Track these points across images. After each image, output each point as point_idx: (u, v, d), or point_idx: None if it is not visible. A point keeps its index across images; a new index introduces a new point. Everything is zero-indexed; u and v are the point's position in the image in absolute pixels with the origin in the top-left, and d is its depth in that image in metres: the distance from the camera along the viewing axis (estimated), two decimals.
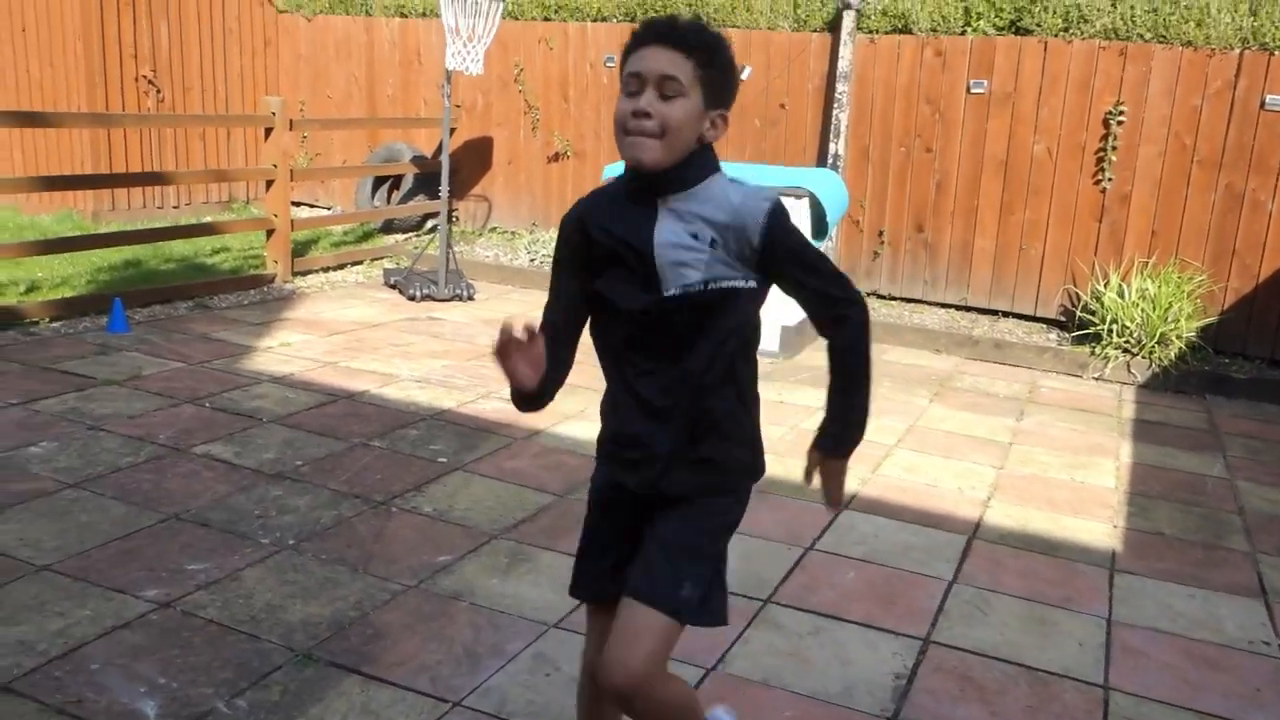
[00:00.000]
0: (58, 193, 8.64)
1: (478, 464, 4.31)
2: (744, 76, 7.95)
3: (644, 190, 1.84)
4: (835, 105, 7.57)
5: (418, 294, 7.36)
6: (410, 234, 9.52)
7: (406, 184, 9.52)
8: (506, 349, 1.77)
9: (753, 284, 1.84)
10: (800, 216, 6.39)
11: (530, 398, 1.88)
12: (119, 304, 6.06)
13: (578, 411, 5.05)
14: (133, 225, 8.27)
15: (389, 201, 9.73)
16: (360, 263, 8.50)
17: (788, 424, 5.03)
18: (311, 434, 4.54)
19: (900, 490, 4.29)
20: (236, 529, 3.57)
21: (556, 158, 9.01)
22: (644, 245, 1.81)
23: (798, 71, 7.85)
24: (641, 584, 1.86)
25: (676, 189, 1.82)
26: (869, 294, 7.80)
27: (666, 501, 1.92)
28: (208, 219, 8.96)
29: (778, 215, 1.80)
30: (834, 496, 1.96)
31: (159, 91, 9.36)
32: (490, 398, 5.22)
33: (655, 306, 1.82)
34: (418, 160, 9.27)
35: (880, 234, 7.70)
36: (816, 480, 1.96)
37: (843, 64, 7.51)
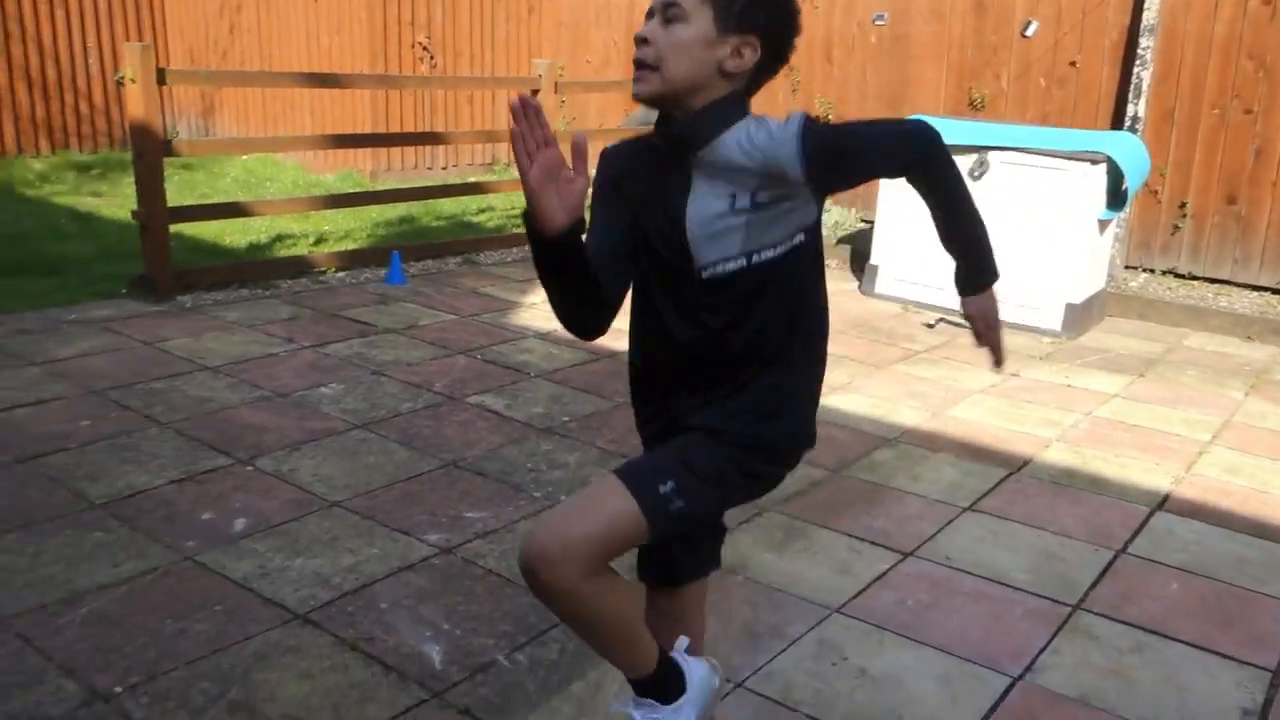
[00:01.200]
0: (340, 154, 9.19)
1: None
2: (1029, 33, 7.33)
3: (672, 145, 1.65)
4: (1136, 62, 6.83)
5: None
6: None
7: None
8: (524, 131, 1.48)
9: (799, 240, 1.65)
10: (1095, 183, 5.80)
11: (571, 256, 1.55)
12: (397, 257, 6.32)
13: (844, 384, 4.80)
14: (407, 184, 8.66)
15: None
16: None
17: (1079, 411, 4.56)
18: (577, 390, 4.53)
19: (1222, 494, 3.77)
20: (510, 480, 3.58)
21: None
22: (676, 213, 1.65)
23: (1092, 25, 7.15)
24: (624, 465, 1.68)
25: (700, 142, 1.62)
26: (1165, 272, 7.04)
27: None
28: (472, 179, 9.26)
29: (806, 128, 1.58)
30: (994, 344, 1.78)
31: (432, 57, 9.75)
32: None
33: (692, 281, 1.66)
34: None
35: (1182, 206, 6.91)
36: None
37: (1148, 16, 6.76)
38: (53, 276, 5.84)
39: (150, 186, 5.45)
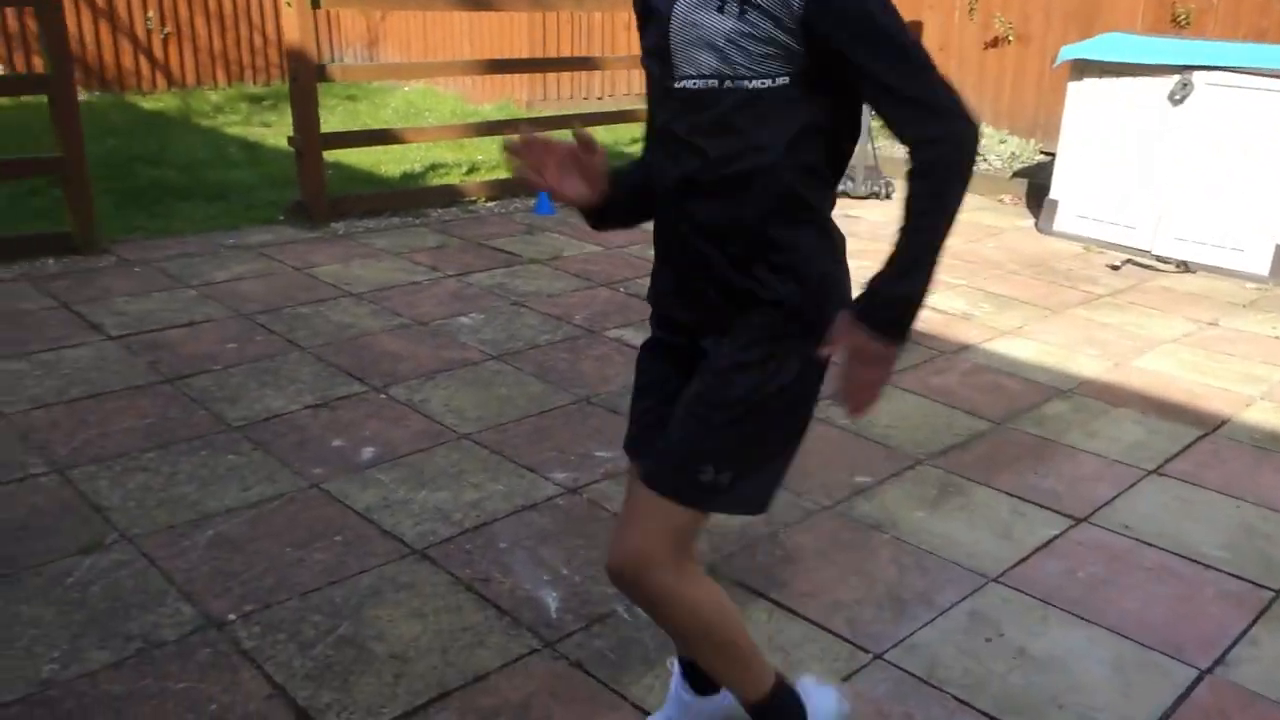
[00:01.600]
0: (497, 85, 9.12)
1: (901, 377, 3.83)
2: None
3: None
4: None
5: None
6: None
7: None
8: (525, 159, 1.53)
9: (784, 81, 1.40)
10: None
11: (630, 201, 1.61)
12: None
13: (1014, 328, 4.39)
14: (561, 114, 8.52)
15: None
16: None
17: None
18: None
19: None
20: None
21: (995, 43, 8.03)
22: (664, 9, 1.46)
23: None
24: (653, 463, 1.54)
25: None
26: None
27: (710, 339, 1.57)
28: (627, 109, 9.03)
29: None
30: (850, 393, 1.46)
31: None
32: None
33: (669, 96, 1.48)
34: None
35: None
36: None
37: None
38: (217, 202, 5.99)
39: (305, 112, 5.48)
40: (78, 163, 4.83)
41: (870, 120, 6.98)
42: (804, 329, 1.50)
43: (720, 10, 1.39)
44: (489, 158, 7.40)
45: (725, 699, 1.80)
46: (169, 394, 3.44)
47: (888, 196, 6.93)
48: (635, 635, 2.28)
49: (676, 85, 1.46)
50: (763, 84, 1.40)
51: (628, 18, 9.73)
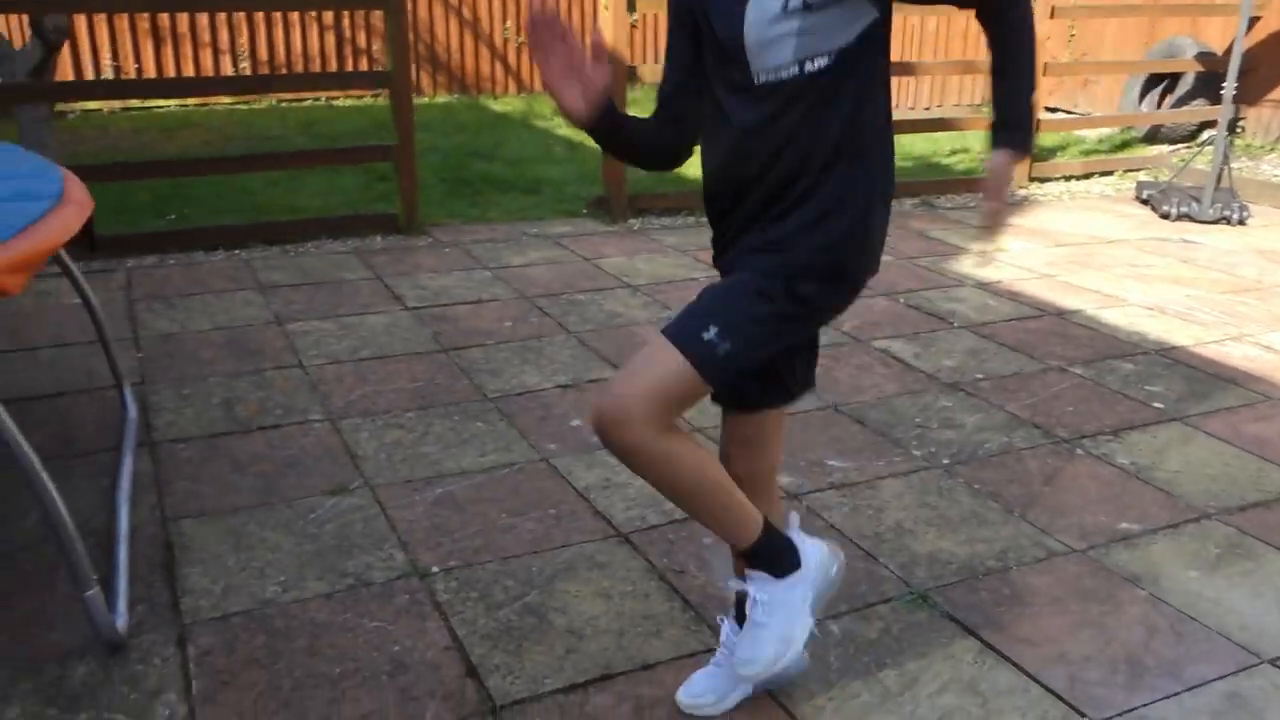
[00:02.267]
0: None
1: (1205, 419, 3.33)
2: None
3: None
4: None
5: (1173, 212, 6.16)
6: (1180, 145, 8.09)
7: (1184, 86, 8.07)
8: (538, 33, 1.58)
9: (855, 46, 1.55)
10: None
11: (609, 139, 1.70)
12: None
13: None
14: None
15: (1159, 107, 8.37)
16: (1110, 173, 7.44)
17: None
18: (1003, 347, 3.96)
19: None
20: (890, 433, 3.20)
21: None
22: (735, 18, 1.57)
23: None
24: (671, 320, 1.64)
25: None
26: None
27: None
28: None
29: None
30: (997, 216, 1.65)
31: None
32: (1243, 341, 4.07)
33: (748, 89, 1.60)
34: (1202, 57, 7.76)
35: None
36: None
37: None
38: (532, 195, 6.38)
39: None
40: (407, 152, 5.33)
41: (1226, 135, 6.18)
42: (837, 258, 1.64)
43: (785, 10, 1.53)
44: None
45: (810, 561, 1.81)
46: (442, 362, 3.69)
47: (1240, 222, 6.08)
48: (820, 653, 2.13)
49: (759, 81, 1.58)
50: (836, 57, 1.55)
51: (965, 23, 9.28)
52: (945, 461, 3.02)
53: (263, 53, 10.01)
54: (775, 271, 1.60)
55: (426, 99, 10.56)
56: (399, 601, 2.28)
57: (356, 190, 6.22)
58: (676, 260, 5.07)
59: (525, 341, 3.92)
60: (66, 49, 9.02)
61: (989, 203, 1.63)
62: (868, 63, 1.58)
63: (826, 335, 3.97)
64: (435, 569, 2.41)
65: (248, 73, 9.77)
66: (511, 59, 10.99)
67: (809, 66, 1.55)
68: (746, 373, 1.66)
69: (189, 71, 9.58)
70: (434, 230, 5.50)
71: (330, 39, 10.18)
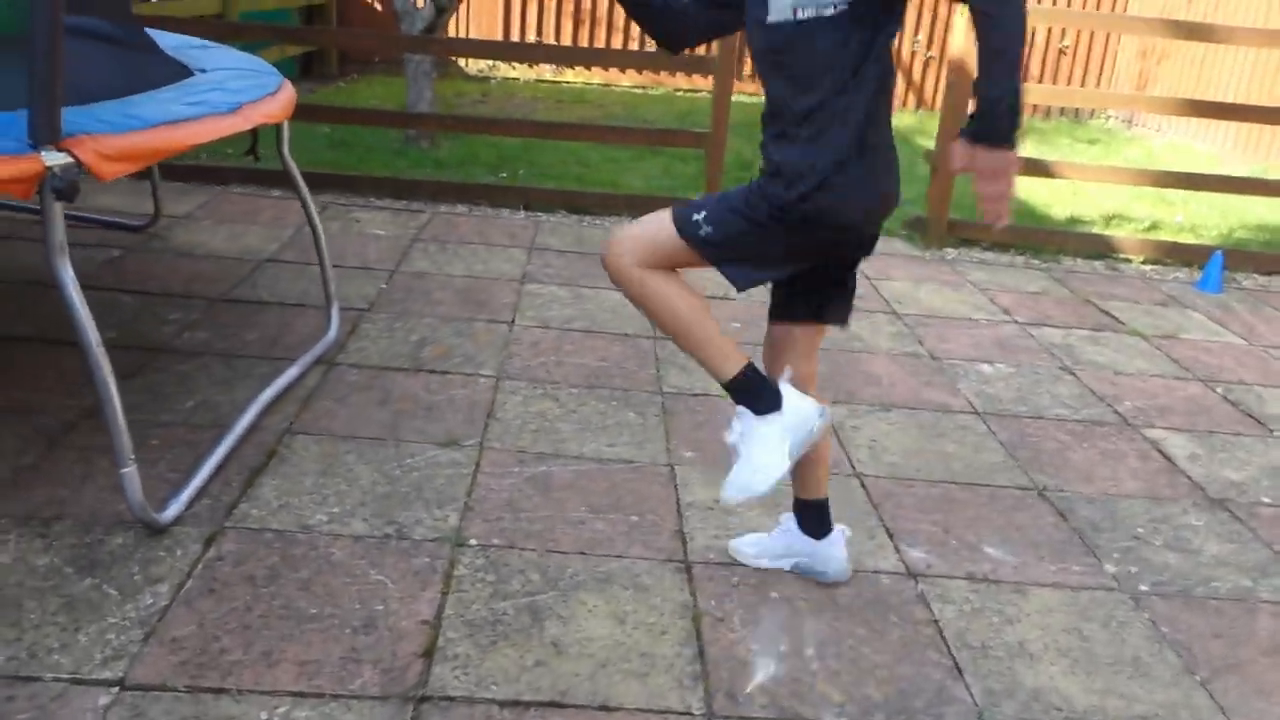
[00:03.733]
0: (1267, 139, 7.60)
1: None
2: None
3: None
4: None
5: None
6: None
7: None
8: None
9: (843, 8, 1.73)
10: None
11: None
12: (1218, 259, 5.03)
13: None
14: None
15: None
16: None
17: None
18: None
19: None
20: (1092, 537, 2.57)
21: None
22: None
23: None
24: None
25: None
26: None
27: None
28: None
29: None
30: (991, 204, 1.70)
31: None
32: None
33: (762, 28, 1.83)
34: None
35: None
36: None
37: None
38: None
39: (950, 127, 5.19)
40: (719, 142, 5.22)
41: None
42: (797, 189, 1.82)
43: None
44: (1188, 218, 6.26)
45: (791, 407, 1.96)
46: (643, 349, 3.55)
47: None
48: None
49: (767, 22, 1.83)
50: (828, 11, 1.75)
51: None
52: (1142, 588, 2.37)
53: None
54: (764, 191, 1.86)
55: None
56: (417, 563, 2.19)
57: (690, 178, 6.23)
58: (965, 297, 4.51)
59: (743, 346, 3.65)
60: (500, 22, 10.00)
61: (984, 193, 1.71)
62: (859, 33, 1.75)
63: (1091, 410, 3.31)
64: (474, 542, 2.29)
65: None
66: (916, 73, 10.51)
67: (800, 14, 1.77)
68: (746, 266, 1.90)
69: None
70: None
71: None
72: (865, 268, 4.78)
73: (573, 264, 4.42)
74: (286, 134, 3.16)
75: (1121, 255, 5.39)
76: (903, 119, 9.93)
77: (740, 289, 1.96)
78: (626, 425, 2.95)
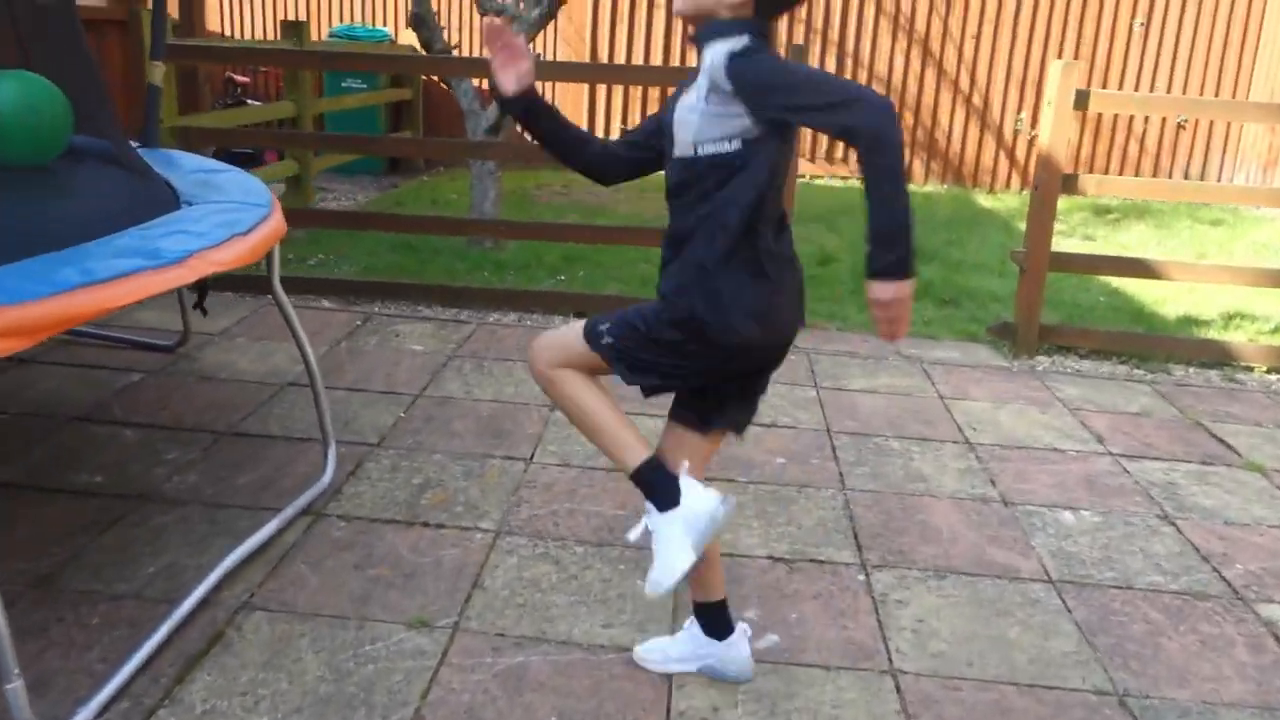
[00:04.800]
0: None
1: None
2: None
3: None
4: None
5: None
6: None
7: None
8: (490, 36, 2.02)
9: (737, 146, 1.87)
10: None
11: (526, 118, 2.11)
12: None
13: None
14: None
15: None
16: None
17: None
18: None
19: None
20: None
21: None
22: (675, 101, 1.98)
23: None
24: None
25: (698, 49, 1.93)
26: None
27: None
28: None
29: (738, 52, 1.85)
30: (886, 327, 1.80)
31: None
32: None
33: (669, 160, 2.00)
34: None
35: None
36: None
37: None
38: (946, 306, 5.56)
39: (1038, 225, 4.72)
40: None
41: None
42: (694, 319, 1.94)
43: (695, 101, 1.92)
44: None
45: (690, 501, 1.99)
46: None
47: None
48: None
49: (673, 155, 1.98)
50: (722, 148, 1.89)
51: None
52: None
53: None
54: (657, 309, 1.98)
55: (914, 186, 9.97)
56: None
57: None
58: (1053, 419, 4.00)
59: (783, 487, 3.27)
60: (585, 112, 9.92)
61: (884, 329, 1.81)
62: (750, 169, 1.88)
63: (1196, 576, 2.80)
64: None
65: None
66: (1020, 152, 9.98)
67: (701, 150, 1.91)
68: (648, 375, 2.01)
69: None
70: (813, 327, 4.97)
71: None
72: (944, 381, 4.36)
73: None
74: (276, 262, 2.95)
75: (1242, 363, 4.79)
76: (1006, 200, 9.42)
77: (646, 395, 2.06)
78: (631, 597, 2.58)
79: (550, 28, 9.81)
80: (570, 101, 10.01)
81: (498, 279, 5.61)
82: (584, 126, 9.95)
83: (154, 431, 3.41)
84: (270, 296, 4.97)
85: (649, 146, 2.12)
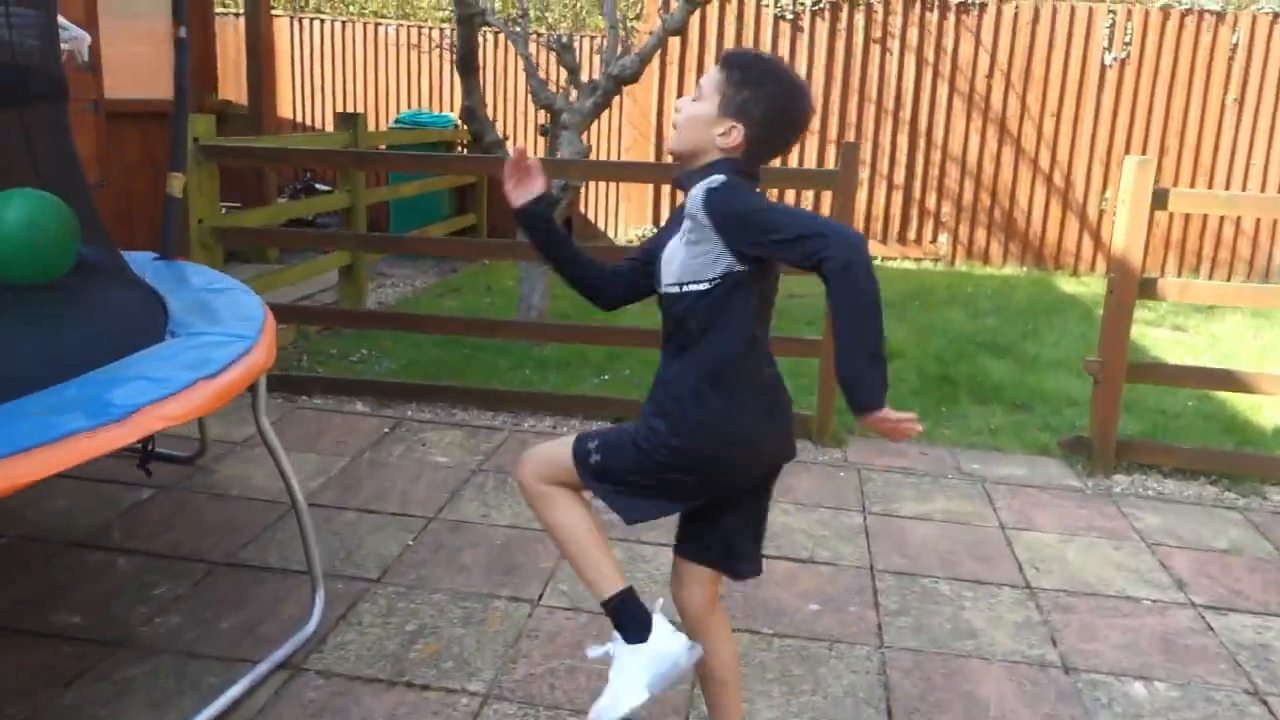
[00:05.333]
0: None
1: None
2: None
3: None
4: None
5: None
6: None
7: None
8: (512, 165, 2.18)
9: (717, 283, 1.93)
10: None
11: (536, 233, 2.20)
12: None
13: None
14: None
15: None
16: None
17: None
18: None
19: None
20: None
21: None
22: (664, 240, 2.06)
23: None
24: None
25: (685, 189, 2.00)
26: None
27: None
28: None
29: (714, 188, 1.91)
30: (894, 439, 1.85)
31: None
32: None
33: (661, 299, 2.06)
34: None
35: None
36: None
37: None
38: (1015, 413, 5.18)
39: (1113, 330, 4.34)
40: (830, 348, 4.56)
41: None
42: (673, 439, 1.98)
43: (681, 241, 1.98)
44: None
45: (656, 640, 1.98)
46: None
47: None
48: None
49: (660, 290, 2.07)
50: (707, 286, 1.95)
51: None
52: None
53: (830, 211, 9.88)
54: (635, 430, 2.01)
55: (992, 269, 9.59)
56: None
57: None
58: (1128, 557, 3.59)
59: (813, 642, 2.94)
60: (650, 210, 9.79)
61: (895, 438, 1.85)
62: (730, 301, 1.94)
63: None
64: None
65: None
66: (1106, 232, 9.50)
67: (686, 287, 1.97)
68: (633, 498, 2.01)
69: None
70: (852, 443, 4.65)
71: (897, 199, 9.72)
72: (1008, 505, 3.98)
73: None
74: (261, 398, 2.78)
75: None
76: (1090, 284, 8.96)
77: (628, 522, 2.02)
78: None
79: (615, 110, 9.76)
80: (635, 192, 9.90)
81: (539, 377, 5.41)
82: (649, 218, 9.84)
83: (148, 561, 3.25)
84: (306, 398, 4.90)
85: (647, 274, 2.14)
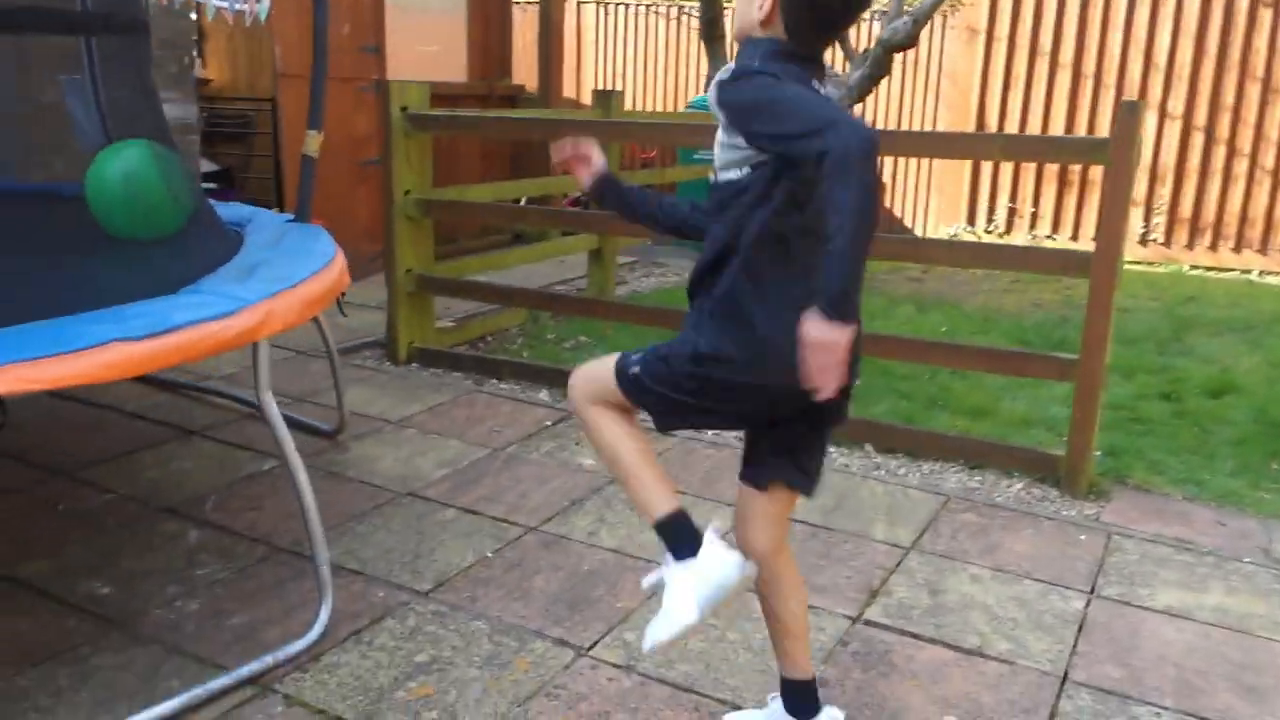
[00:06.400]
0: None
1: None
2: None
3: None
4: None
5: None
6: None
7: None
8: (565, 147, 2.17)
9: (748, 173, 1.78)
10: None
11: (608, 199, 2.18)
12: None
13: None
14: None
15: None
16: None
17: None
18: None
19: None
20: None
21: None
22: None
23: None
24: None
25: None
26: None
27: None
28: None
29: (724, 79, 1.76)
30: (818, 376, 1.60)
31: None
32: None
33: (710, 191, 1.91)
34: None
35: None
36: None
37: None
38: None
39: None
40: (1091, 373, 3.47)
41: None
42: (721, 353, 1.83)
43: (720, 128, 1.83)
44: None
45: (706, 556, 1.84)
46: None
47: None
48: None
49: (710, 180, 1.92)
50: (736, 174, 1.80)
51: None
52: None
53: (1185, 209, 8.21)
54: (685, 340, 1.87)
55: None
56: None
57: (1026, 407, 4.42)
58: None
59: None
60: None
61: (811, 370, 1.62)
62: (766, 189, 1.76)
63: None
64: None
65: (1159, 228, 8.16)
66: None
67: (723, 175, 1.84)
68: (668, 410, 1.89)
69: (1088, 219, 8.37)
70: (1117, 494, 3.53)
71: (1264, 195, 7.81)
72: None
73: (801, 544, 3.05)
74: (264, 370, 2.40)
75: None
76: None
77: (661, 430, 1.95)
78: None
79: (932, 91, 8.74)
80: (951, 173, 8.82)
81: None
82: (965, 201, 8.69)
83: (217, 537, 3.02)
84: (496, 381, 4.59)
85: None
